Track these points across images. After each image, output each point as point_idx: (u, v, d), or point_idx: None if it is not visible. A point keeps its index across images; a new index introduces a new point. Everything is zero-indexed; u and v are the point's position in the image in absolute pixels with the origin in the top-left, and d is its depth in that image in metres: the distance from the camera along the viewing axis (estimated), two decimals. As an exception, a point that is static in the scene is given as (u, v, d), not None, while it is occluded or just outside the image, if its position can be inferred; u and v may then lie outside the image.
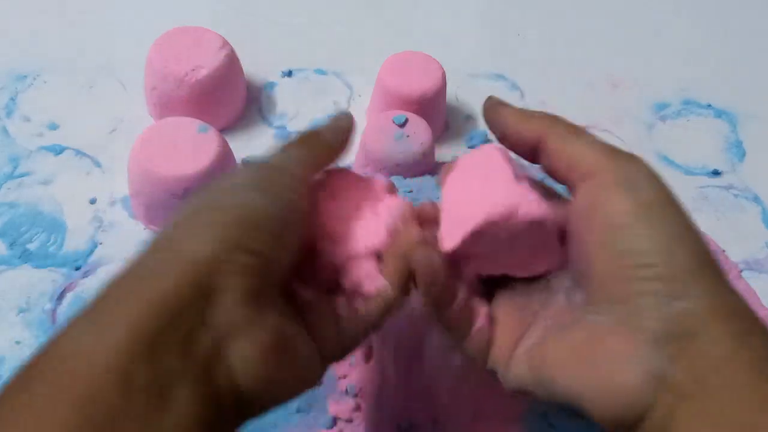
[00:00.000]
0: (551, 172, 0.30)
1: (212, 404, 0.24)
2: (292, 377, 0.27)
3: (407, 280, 0.31)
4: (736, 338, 0.25)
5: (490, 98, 0.33)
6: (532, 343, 0.30)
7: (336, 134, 0.33)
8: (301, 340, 0.28)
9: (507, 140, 0.31)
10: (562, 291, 0.31)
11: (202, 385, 0.24)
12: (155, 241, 0.27)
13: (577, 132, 0.30)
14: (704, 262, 0.26)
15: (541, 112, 0.31)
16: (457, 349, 0.33)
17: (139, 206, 0.49)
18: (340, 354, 0.31)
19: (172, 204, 0.47)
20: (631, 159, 0.28)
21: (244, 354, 0.25)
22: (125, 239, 0.49)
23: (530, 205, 0.29)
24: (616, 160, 0.28)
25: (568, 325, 0.29)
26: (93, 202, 0.51)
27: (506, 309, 0.32)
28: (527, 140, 0.30)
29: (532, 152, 0.31)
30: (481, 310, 0.31)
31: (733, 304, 0.26)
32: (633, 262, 0.26)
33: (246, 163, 0.30)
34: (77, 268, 0.47)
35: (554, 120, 0.30)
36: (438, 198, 0.33)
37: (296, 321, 0.29)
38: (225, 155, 0.49)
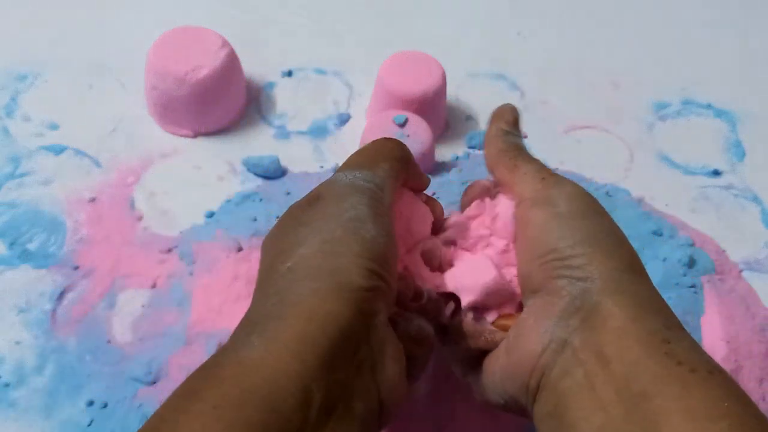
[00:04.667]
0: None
1: (374, 416, 0.28)
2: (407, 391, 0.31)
3: None
4: (632, 314, 0.28)
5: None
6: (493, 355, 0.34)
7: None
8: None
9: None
10: None
11: (371, 399, 0.28)
12: (295, 268, 0.29)
13: (516, 166, 0.35)
14: (610, 254, 0.30)
15: (498, 140, 0.37)
16: (452, 361, 0.36)
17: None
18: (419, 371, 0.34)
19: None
20: (557, 183, 0.33)
21: (389, 371, 0.29)
22: (124, 237, 0.49)
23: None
24: (543, 186, 0.33)
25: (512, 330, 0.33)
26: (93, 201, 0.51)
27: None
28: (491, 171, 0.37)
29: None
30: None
31: (633, 288, 0.30)
32: (549, 257, 0.31)
33: (349, 183, 0.32)
34: (77, 268, 0.47)
35: (499, 153, 0.36)
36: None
37: None
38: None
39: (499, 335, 0.33)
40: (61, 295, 0.46)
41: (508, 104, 0.39)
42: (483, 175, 0.53)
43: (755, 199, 0.57)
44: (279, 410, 0.24)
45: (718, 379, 0.26)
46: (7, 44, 0.60)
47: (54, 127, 0.55)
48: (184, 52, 0.53)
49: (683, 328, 0.29)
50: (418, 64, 0.55)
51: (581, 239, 0.31)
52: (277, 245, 0.31)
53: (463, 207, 0.37)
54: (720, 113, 0.63)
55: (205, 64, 0.53)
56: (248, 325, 0.28)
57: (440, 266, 0.36)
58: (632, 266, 0.31)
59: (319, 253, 0.29)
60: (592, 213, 0.32)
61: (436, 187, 0.53)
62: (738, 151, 0.60)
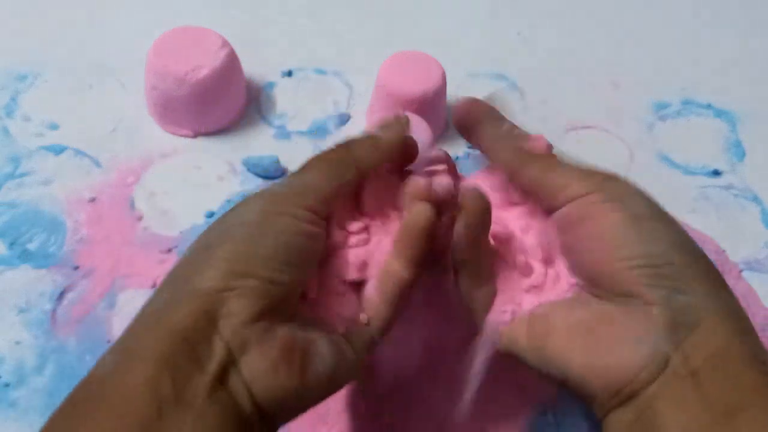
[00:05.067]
0: (527, 194, 0.35)
1: (234, 414, 0.27)
2: (314, 381, 0.30)
3: (418, 261, 0.33)
4: (732, 334, 0.28)
5: (456, 105, 0.37)
6: (534, 312, 0.33)
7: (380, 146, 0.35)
8: (321, 343, 0.30)
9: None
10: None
11: (217, 390, 0.27)
12: (171, 276, 0.31)
13: (552, 162, 0.34)
14: (703, 266, 0.30)
15: (507, 138, 0.35)
16: (465, 299, 0.34)
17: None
18: (370, 342, 0.33)
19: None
20: (615, 179, 0.33)
21: (254, 367, 0.28)
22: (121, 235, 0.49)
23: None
24: (603, 181, 0.32)
25: (575, 305, 0.32)
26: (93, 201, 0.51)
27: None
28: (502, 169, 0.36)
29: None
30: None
31: (731, 305, 0.29)
32: (638, 262, 0.29)
33: (259, 193, 0.32)
34: (77, 268, 0.47)
35: (525, 156, 0.34)
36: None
37: (320, 328, 0.31)
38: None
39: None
40: (61, 295, 0.46)
41: (471, 100, 0.37)
42: (483, 175, 0.53)
43: (755, 199, 0.57)
44: (133, 408, 0.26)
45: None
46: (7, 44, 0.60)
47: (54, 127, 0.55)
48: (184, 52, 0.53)
49: None
50: (418, 64, 0.55)
51: (671, 246, 0.30)
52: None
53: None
54: (720, 113, 0.63)
55: (205, 64, 0.53)
56: (120, 337, 0.30)
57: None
58: (723, 282, 0.30)
59: (193, 258, 0.31)
60: (668, 217, 0.32)
61: (436, 187, 0.53)
62: (738, 151, 0.60)
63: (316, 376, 0.30)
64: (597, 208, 0.31)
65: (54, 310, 0.45)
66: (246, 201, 0.32)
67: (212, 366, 0.28)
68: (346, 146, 0.34)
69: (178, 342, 0.27)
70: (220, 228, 0.31)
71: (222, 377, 0.28)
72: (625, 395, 0.29)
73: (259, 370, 0.28)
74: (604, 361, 0.29)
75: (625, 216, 0.30)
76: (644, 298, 0.29)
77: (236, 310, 0.29)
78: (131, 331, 0.29)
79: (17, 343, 0.44)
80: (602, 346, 0.30)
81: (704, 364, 0.27)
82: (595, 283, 0.31)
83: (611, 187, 0.32)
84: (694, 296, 0.28)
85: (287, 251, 0.30)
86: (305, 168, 0.33)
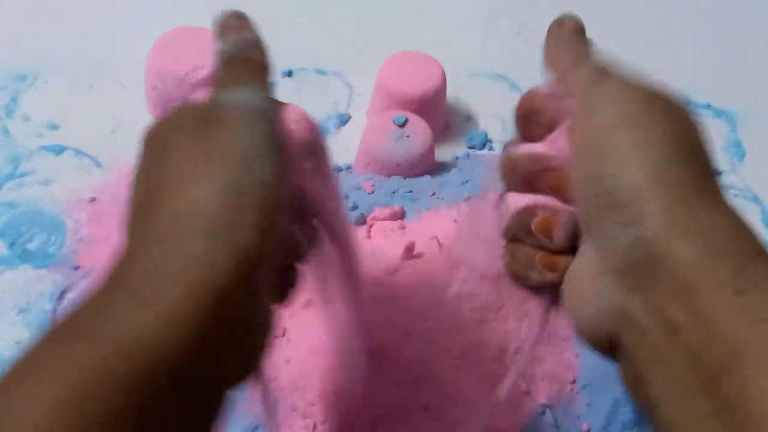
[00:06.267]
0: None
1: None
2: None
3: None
4: (699, 263, 0.22)
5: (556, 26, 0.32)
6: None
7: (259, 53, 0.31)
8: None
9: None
10: None
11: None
12: (183, 215, 0.23)
13: (578, 55, 0.30)
14: (674, 176, 0.23)
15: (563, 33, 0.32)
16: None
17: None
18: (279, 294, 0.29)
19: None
20: (606, 79, 0.27)
21: (260, 343, 0.25)
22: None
23: None
24: (596, 82, 0.27)
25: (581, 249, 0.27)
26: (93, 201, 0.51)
27: None
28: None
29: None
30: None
31: (701, 222, 0.23)
32: (595, 190, 0.24)
33: (242, 104, 0.27)
34: (77, 268, 0.47)
35: (560, 41, 0.31)
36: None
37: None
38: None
39: (549, 275, 0.27)
40: (62, 295, 0.46)
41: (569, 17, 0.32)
42: (483, 175, 0.53)
43: (755, 199, 0.57)
44: (149, 397, 0.20)
45: None
46: (7, 44, 0.60)
47: (54, 127, 0.55)
48: (184, 52, 0.53)
49: (760, 259, 0.22)
50: (418, 64, 0.55)
51: (630, 161, 0.23)
52: (161, 174, 0.25)
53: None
54: (720, 113, 0.63)
55: (206, 64, 0.52)
56: (120, 284, 0.22)
57: None
58: (705, 185, 0.24)
59: (216, 201, 0.23)
60: (648, 119, 0.25)
61: (436, 187, 0.53)
62: (738, 151, 0.60)
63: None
64: (576, 122, 0.27)
65: (54, 310, 0.45)
66: (239, 114, 0.27)
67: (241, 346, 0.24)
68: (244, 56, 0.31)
69: (220, 317, 0.22)
70: (239, 159, 0.25)
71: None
72: (612, 352, 0.25)
73: (259, 349, 0.25)
74: (582, 329, 0.26)
75: (591, 129, 0.25)
76: (602, 238, 0.24)
77: (262, 280, 0.24)
78: (151, 276, 0.22)
79: (17, 343, 0.44)
80: (575, 313, 0.26)
81: (672, 309, 0.22)
82: (582, 223, 0.26)
83: (595, 91, 0.26)
84: (647, 227, 0.23)
85: (288, 200, 0.27)
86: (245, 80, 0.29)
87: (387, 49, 0.57)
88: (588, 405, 0.43)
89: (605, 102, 0.25)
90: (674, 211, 0.23)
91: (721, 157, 0.60)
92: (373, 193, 0.50)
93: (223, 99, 0.27)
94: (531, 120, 0.29)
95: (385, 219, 0.47)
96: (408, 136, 0.51)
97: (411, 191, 0.50)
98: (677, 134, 0.25)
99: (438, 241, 0.43)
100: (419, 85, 0.54)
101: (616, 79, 0.27)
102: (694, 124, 0.26)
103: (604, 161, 0.24)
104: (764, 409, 0.19)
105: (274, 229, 0.24)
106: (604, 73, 0.27)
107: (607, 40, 0.69)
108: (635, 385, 0.24)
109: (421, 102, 0.54)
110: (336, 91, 0.60)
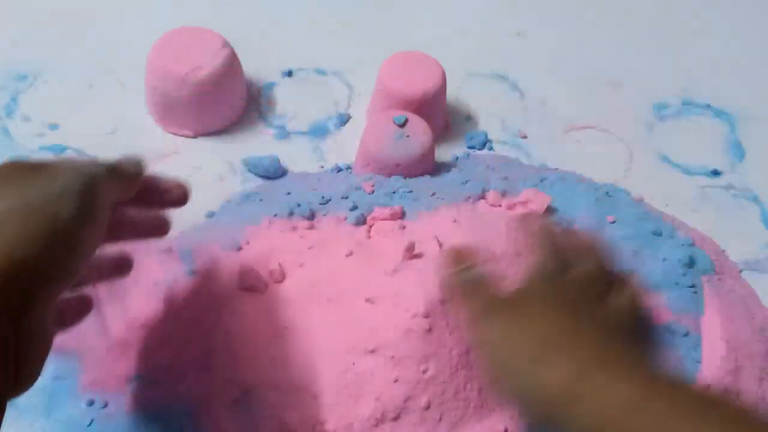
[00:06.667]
0: None
1: None
2: None
3: None
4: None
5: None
6: None
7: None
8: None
9: None
10: None
11: None
12: None
13: None
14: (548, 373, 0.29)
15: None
16: None
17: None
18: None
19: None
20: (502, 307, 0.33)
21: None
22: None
23: None
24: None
25: None
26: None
27: None
28: None
29: None
30: None
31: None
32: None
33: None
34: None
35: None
36: None
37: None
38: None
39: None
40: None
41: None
42: (483, 175, 0.53)
43: (755, 199, 0.57)
44: None
45: None
46: (7, 44, 0.60)
47: (54, 127, 0.55)
48: (185, 52, 0.53)
49: None
50: (418, 64, 0.55)
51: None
52: None
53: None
54: (719, 114, 0.63)
55: (206, 64, 0.53)
56: None
57: None
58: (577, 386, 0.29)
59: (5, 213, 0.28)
60: (521, 338, 0.31)
61: (436, 187, 0.53)
62: (738, 151, 0.60)
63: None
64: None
65: (54, 310, 0.45)
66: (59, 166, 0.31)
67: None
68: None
69: None
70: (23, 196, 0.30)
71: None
72: None
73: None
74: None
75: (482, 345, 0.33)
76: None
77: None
78: None
79: None
80: None
81: None
82: None
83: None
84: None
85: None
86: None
87: (387, 49, 0.57)
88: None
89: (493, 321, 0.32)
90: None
91: (721, 157, 0.60)
92: (373, 193, 0.50)
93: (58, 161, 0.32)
94: None
95: (385, 219, 0.47)
96: (408, 136, 0.51)
97: (411, 191, 0.50)
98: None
99: (438, 241, 0.43)
100: (419, 85, 0.54)
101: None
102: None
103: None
104: None
105: (56, 252, 0.28)
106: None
107: (607, 41, 0.69)
108: None
109: (421, 102, 0.54)
110: (336, 91, 0.61)
